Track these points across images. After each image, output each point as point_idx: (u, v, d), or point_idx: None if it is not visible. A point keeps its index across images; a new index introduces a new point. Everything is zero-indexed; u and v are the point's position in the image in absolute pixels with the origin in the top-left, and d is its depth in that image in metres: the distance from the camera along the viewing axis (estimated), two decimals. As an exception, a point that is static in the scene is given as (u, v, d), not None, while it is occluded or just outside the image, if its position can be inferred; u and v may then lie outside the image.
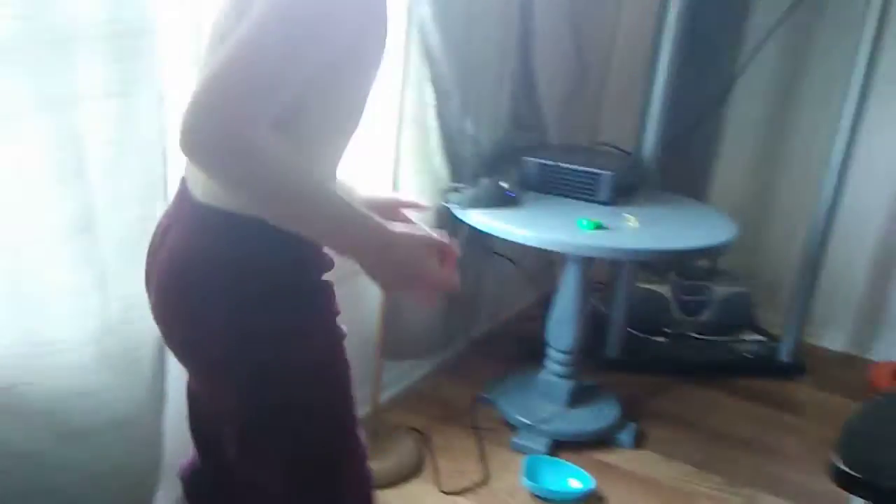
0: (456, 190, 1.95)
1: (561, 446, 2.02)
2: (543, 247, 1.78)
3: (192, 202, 0.92)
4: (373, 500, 1.05)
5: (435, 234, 0.92)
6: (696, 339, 2.58)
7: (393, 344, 2.01)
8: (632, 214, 1.90)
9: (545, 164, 2.05)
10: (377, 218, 0.86)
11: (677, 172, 2.67)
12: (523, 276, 2.55)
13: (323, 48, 0.80)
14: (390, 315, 1.93)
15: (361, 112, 0.92)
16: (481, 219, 1.85)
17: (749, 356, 2.51)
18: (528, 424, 2.04)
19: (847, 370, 2.57)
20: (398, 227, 0.88)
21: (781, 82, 2.66)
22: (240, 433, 0.97)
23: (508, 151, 2.23)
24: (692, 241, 1.81)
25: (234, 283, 0.89)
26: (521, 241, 1.78)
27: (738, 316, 2.61)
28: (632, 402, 2.25)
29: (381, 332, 1.91)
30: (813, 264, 2.41)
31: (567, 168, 2.02)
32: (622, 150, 2.42)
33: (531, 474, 1.85)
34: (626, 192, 2.09)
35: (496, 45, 2.07)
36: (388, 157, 1.82)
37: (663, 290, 2.58)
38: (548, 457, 1.96)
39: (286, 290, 0.91)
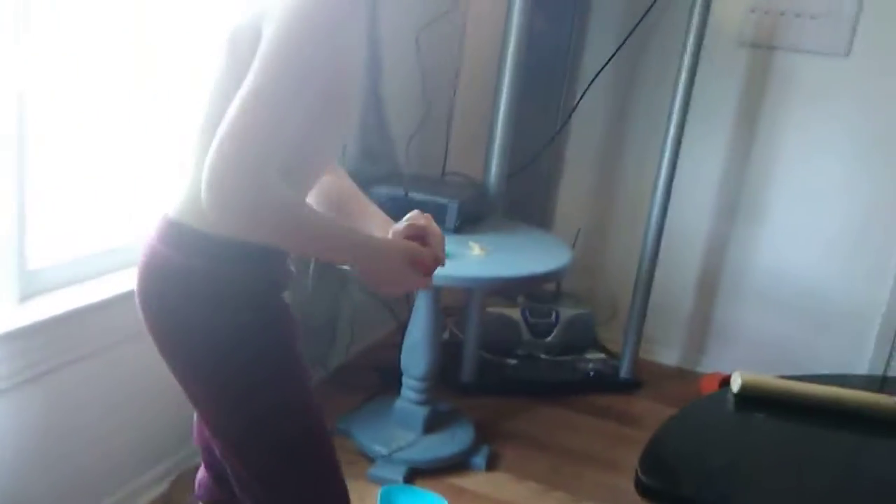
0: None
1: (418, 473, 2.04)
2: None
3: (167, 220, 1.00)
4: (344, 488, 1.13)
5: (416, 247, 1.05)
6: (545, 359, 2.70)
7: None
8: (477, 242, 1.97)
9: (394, 195, 2.08)
10: (362, 235, 1.03)
11: (523, 200, 2.80)
12: (381, 305, 2.57)
13: (314, 95, 0.91)
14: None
15: (336, 145, 1.07)
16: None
17: (592, 374, 2.66)
18: (385, 454, 2.04)
19: (680, 383, 2.78)
20: (383, 241, 1.05)
21: (613, 114, 2.88)
22: (227, 445, 1.05)
23: (359, 182, 2.24)
24: (531, 268, 1.90)
25: (206, 300, 0.98)
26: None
27: (583, 336, 2.76)
28: (486, 425, 2.31)
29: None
30: (645, 285, 2.60)
31: (415, 198, 2.07)
32: (471, 180, 2.51)
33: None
34: (473, 220, 2.16)
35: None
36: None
37: (513, 313, 2.68)
38: (403, 485, 1.97)
39: (257, 308, 1.01)
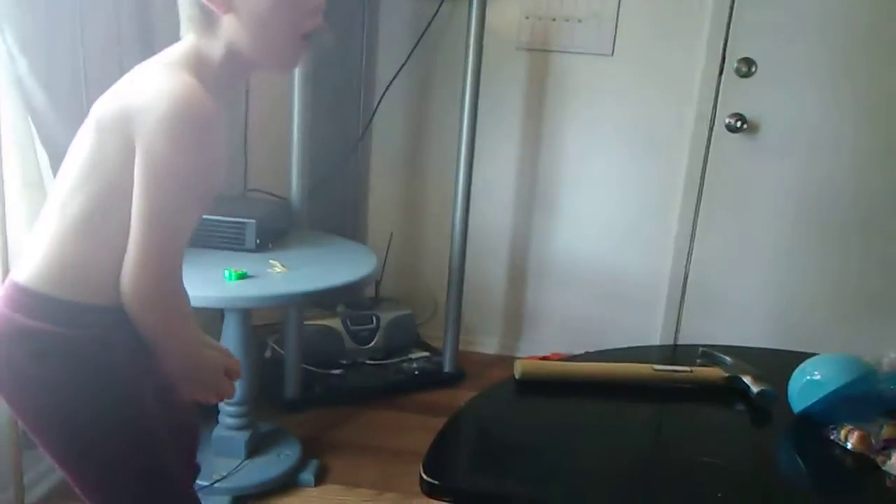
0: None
1: (246, 500, 1.99)
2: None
3: (14, 286, 1.05)
4: None
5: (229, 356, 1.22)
6: (370, 365, 2.73)
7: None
8: (279, 259, 1.95)
9: (188, 218, 2.00)
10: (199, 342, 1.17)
11: (333, 211, 2.81)
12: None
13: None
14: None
15: None
16: (118, 283, 1.75)
17: (417, 372, 2.72)
18: (206, 486, 1.96)
19: (501, 370, 2.92)
20: (207, 350, 1.18)
21: (411, 120, 2.96)
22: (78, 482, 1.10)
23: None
24: (336, 279, 1.91)
25: (59, 361, 1.04)
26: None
27: (405, 337, 2.82)
28: (313, 439, 2.29)
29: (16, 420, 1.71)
30: (458, 281, 2.71)
31: (211, 219, 2.00)
32: (275, 196, 2.47)
33: (208, 539, 1.79)
34: (275, 237, 2.13)
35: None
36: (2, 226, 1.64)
37: (334, 323, 2.68)
38: (228, 515, 1.91)
39: (112, 369, 1.06)
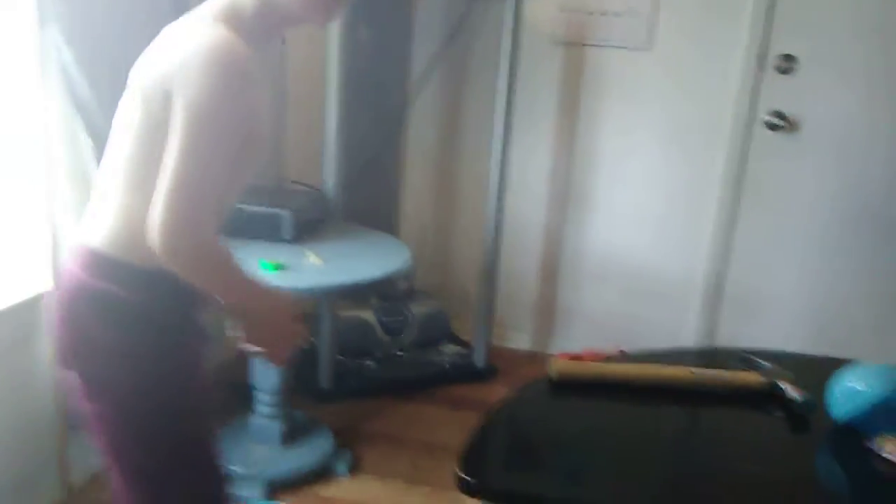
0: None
1: (280, 488, 2.02)
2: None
3: (86, 249, 1.09)
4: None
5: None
6: (402, 357, 2.75)
7: (81, 413, 1.86)
8: (314, 251, 1.97)
9: (227, 210, 2.03)
10: (267, 285, 1.16)
11: (367, 205, 2.82)
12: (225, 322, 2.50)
13: (232, 150, 1.03)
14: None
15: (248, 181, 1.16)
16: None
17: (448, 366, 2.73)
18: (242, 473, 2.00)
19: (532, 366, 2.92)
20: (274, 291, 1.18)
21: (446, 114, 2.96)
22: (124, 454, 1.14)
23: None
24: (371, 272, 1.93)
25: (128, 324, 1.08)
26: (201, 291, 1.75)
27: (437, 330, 2.83)
28: (347, 430, 2.32)
29: (58, 398, 1.76)
30: (490, 275, 2.71)
31: (248, 210, 2.03)
32: (311, 187, 2.49)
33: (244, 525, 1.83)
34: (310, 228, 2.16)
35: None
36: (45, 214, 1.69)
37: (367, 315, 2.70)
38: (263, 502, 1.95)
39: (173, 333, 1.12)
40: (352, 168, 2.51)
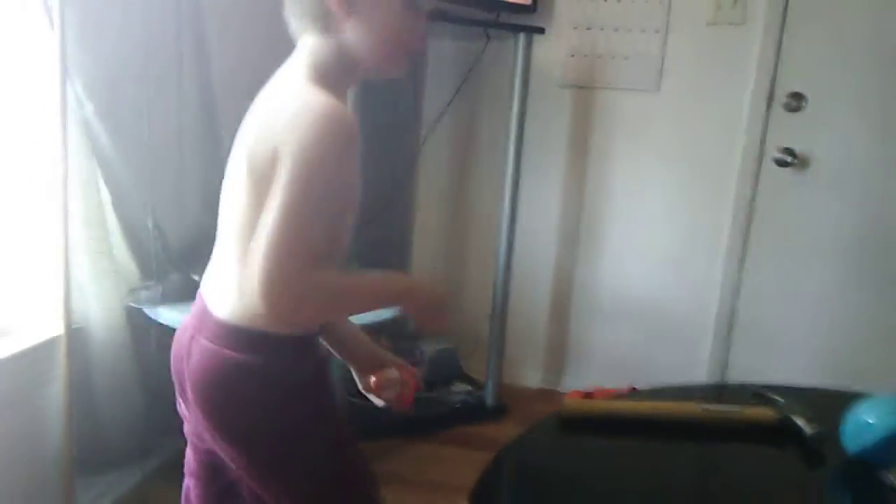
0: (145, 288, 1.89)
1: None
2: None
3: (216, 320, 1.10)
4: None
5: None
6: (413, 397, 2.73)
7: (87, 455, 1.87)
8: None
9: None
10: (392, 276, 1.18)
11: (379, 245, 2.85)
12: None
13: (335, 213, 1.03)
14: (79, 423, 1.80)
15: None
16: (172, 315, 1.81)
17: (459, 406, 2.72)
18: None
19: (543, 404, 2.90)
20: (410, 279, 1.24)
21: (457, 156, 3.00)
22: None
23: (206, 242, 2.21)
24: (380, 314, 1.94)
25: (268, 392, 1.09)
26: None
27: (448, 370, 2.83)
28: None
29: (69, 443, 1.77)
30: (500, 313, 2.72)
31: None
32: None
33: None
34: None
35: (176, 134, 2.07)
36: (61, 261, 1.72)
37: (378, 355, 2.70)
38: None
39: (312, 393, 1.13)
40: (364, 211, 2.54)
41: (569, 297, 2.98)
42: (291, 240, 0.98)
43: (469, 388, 2.83)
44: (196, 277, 1.92)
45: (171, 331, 1.85)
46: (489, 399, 2.77)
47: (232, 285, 1.10)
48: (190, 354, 1.14)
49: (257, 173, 1.04)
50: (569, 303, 2.98)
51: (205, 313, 1.14)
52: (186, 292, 1.88)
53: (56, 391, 1.84)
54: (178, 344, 1.19)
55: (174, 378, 1.21)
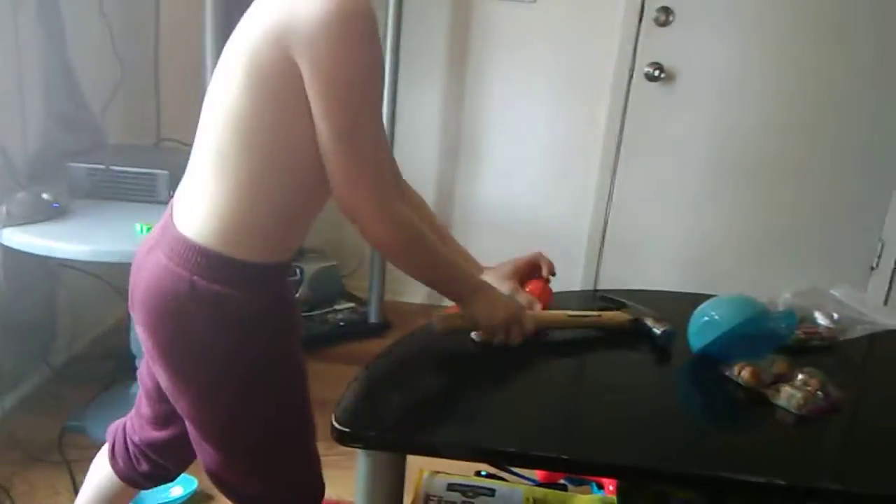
0: (-14, 209, 1.73)
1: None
2: (95, 260, 1.68)
3: (177, 237, 1.02)
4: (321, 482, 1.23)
5: (521, 310, 1.19)
6: (295, 316, 2.71)
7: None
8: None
9: (95, 169, 1.92)
10: (475, 279, 1.19)
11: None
12: (110, 289, 2.38)
13: (378, 100, 1.00)
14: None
15: None
16: (20, 237, 1.68)
17: (342, 323, 2.73)
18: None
19: (426, 319, 2.95)
20: (494, 291, 1.18)
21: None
22: (214, 438, 1.12)
23: (54, 158, 2.05)
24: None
25: (217, 316, 1.02)
26: (70, 256, 1.66)
27: (331, 288, 2.81)
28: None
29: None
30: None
31: (120, 171, 1.93)
32: (187, 145, 2.38)
33: (129, 494, 1.77)
34: (189, 188, 2.07)
35: (13, 42, 1.87)
36: None
37: (257, 276, 2.64)
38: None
39: (263, 324, 1.06)
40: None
41: (450, 210, 3.00)
42: (365, 169, 0.95)
43: (352, 305, 2.84)
44: (46, 196, 1.78)
45: (19, 255, 1.73)
46: (373, 316, 2.79)
47: (203, 202, 1.01)
48: (144, 266, 1.07)
49: (255, 79, 0.95)
50: (450, 216, 3.00)
51: (168, 227, 1.06)
52: (35, 212, 1.74)
53: None
54: (137, 254, 1.12)
55: (130, 287, 1.12)
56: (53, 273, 2.19)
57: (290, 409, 1.16)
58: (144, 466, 1.30)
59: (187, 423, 1.14)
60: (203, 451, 1.15)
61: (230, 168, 1.00)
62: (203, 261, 1.01)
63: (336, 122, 0.94)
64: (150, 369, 1.20)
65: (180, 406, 1.12)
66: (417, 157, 2.90)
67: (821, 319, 1.41)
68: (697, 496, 1.23)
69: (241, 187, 0.99)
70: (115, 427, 1.36)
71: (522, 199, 2.95)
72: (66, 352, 2.32)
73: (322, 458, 2.04)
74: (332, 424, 0.98)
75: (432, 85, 2.85)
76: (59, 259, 1.72)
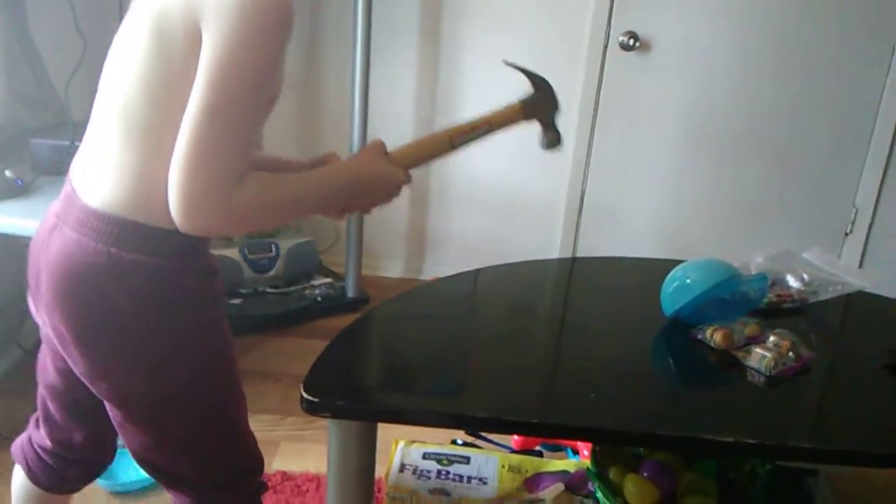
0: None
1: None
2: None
3: (84, 208, 0.98)
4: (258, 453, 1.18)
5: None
6: (271, 293, 2.69)
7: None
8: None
9: (59, 146, 1.88)
10: (326, 174, 1.12)
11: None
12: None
13: (263, 96, 0.94)
14: None
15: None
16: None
17: (319, 299, 2.71)
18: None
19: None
20: (347, 165, 1.16)
21: (304, 43, 2.84)
22: (140, 418, 1.07)
23: (17, 135, 1.99)
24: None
25: (139, 287, 0.98)
26: (31, 234, 1.62)
27: (306, 264, 2.79)
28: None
29: None
30: (357, 206, 2.67)
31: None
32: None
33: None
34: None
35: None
36: None
37: (231, 253, 2.61)
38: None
39: (187, 293, 1.02)
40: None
41: (426, 183, 2.98)
42: (215, 152, 0.89)
43: (329, 280, 2.81)
44: (8, 173, 1.73)
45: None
46: (350, 291, 2.77)
47: (111, 169, 0.97)
48: (49, 245, 1.01)
49: (161, 42, 0.92)
50: (427, 190, 2.98)
51: (72, 200, 1.01)
52: (-2, 190, 1.70)
53: None
54: (37, 236, 1.06)
55: (29, 273, 1.08)
56: (20, 253, 2.14)
57: (218, 379, 1.11)
58: (72, 471, 1.25)
59: (109, 408, 1.09)
60: (128, 435, 1.10)
61: (138, 132, 0.96)
62: (118, 231, 0.97)
63: (205, 95, 0.89)
64: (54, 363, 1.15)
65: (101, 389, 1.06)
66: (393, 130, 2.87)
67: (792, 282, 1.42)
68: (671, 457, 1.24)
69: (150, 151, 0.95)
70: (18, 446, 1.29)
71: (499, 172, 2.93)
72: (36, 333, 2.28)
73: (300, 433, 2.04)
74: (302, 395, 0.97)
75: (406, 56, 2.81)
76: (25, 238, 1.68)
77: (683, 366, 1.20)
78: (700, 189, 2.87)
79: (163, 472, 1.13)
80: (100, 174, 0.99)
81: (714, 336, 1.18)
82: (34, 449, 1.25)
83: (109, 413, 1.09)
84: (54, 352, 1.12)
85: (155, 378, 1.04)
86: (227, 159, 0.90)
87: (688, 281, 1.20)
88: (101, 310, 0.99)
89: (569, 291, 1.46)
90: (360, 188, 1.11)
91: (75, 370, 1.07)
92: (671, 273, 1.24)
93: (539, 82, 1.25)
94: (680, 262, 1.30)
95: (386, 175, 1.13)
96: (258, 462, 1.18)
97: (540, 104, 1.27)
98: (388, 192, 1.14)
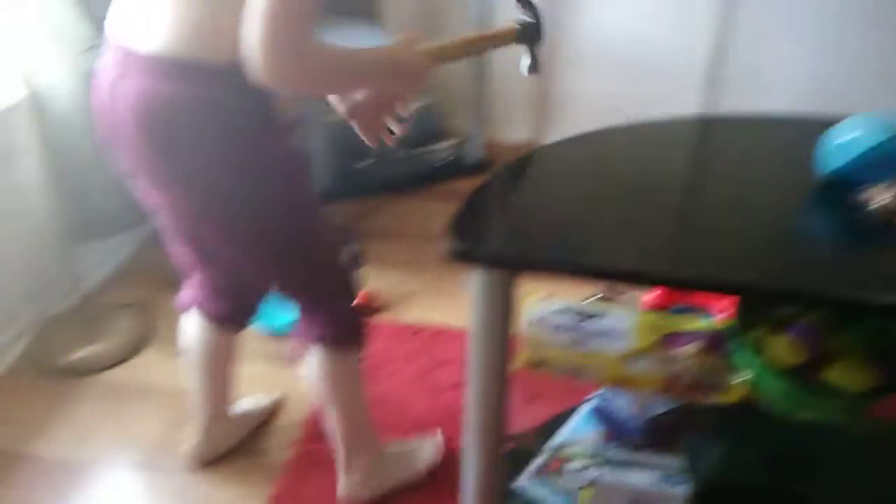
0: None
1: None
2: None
3: (146, 57, 1.05)
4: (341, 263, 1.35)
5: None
6: (397, 155, 2.73)
7: (82, 224, 1.91)
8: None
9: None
10: (370, 48, 1.13)
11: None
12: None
13: None
14: (67, 192, 1.81)
15: None
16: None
17: (444, 162, 2.72)
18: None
19: (528, 156, 2.91)
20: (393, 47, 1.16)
21: None
22: (241, 238, 1.20)
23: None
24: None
25: (215, 120, 1.07)
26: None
27: (432, 127, 2.79)
28: (346, 228, 2.37)
29: (67, 209, 1.80)
30: (481, 67, 2.61)
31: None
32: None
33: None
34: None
35: None
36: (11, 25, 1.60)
37: (358, 115, 2.64)
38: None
39: (257, 123, 1.11)
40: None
41: (553, 46, 2.84)
42: (289, 11, 0.92)
43: (454, 143, 2.81)
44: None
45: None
46: (474, 154, 2.76)
47: (167, 17, 1.04)
48: (118, 99, 1.09)
49: None
50: (552, 50, 2.85)
51: (128, 54, 1.08)
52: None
53: (33, 157, 1.81)
54: (100, 95, 1.14)
55: (104, 133, 1.18)
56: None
57: (302, 192, 1.22)
58: (224, 306, 1.44)
59: (218, 244, 1.24)
60: (235, 254, 1.25)
61: None
62: (187, 72, 1.04)
63: None
64: (178, 229, 1.29)
65: (204, 223, 1.20)
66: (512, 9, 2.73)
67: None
68: (823, 320, 1.19)
69: None
70: (183, 297, 1.49)
71: (629, 28, 2.74)
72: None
73: (426, 288, 2.12)
74: (448, 243, 0.99)
75: None
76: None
77: (842, 224, 1.13)
78: (864, 41, 2.58)
79: (286, 289, 1.30)
80: (155, 24, 1.05)
81: (882, 196, 1.10)
82: (191, 295, 1.46)
83: (222, 250, 1.26)
84: (163, 210, 1.26)
85: (249, 200, 1.14)
86: (304, 4, 0.93)
87: (857, 133, 1.10)
88: (180, 144, 1.08)
89: (712, 147, 1.38)
90: (393, 69, 1.16)
91: (177, 211, 1.22)
92: (835, 127, 1.14)
93: (535, 13, 1.34)
94: (837, 117, 1.20)
95: (412, 62, 1.17)
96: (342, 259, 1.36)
97: (534, 32, 1.36)
98: (412, 79, 1.19)
